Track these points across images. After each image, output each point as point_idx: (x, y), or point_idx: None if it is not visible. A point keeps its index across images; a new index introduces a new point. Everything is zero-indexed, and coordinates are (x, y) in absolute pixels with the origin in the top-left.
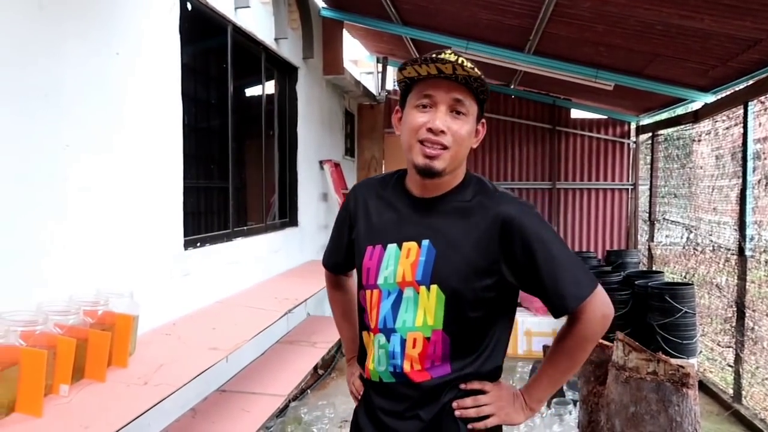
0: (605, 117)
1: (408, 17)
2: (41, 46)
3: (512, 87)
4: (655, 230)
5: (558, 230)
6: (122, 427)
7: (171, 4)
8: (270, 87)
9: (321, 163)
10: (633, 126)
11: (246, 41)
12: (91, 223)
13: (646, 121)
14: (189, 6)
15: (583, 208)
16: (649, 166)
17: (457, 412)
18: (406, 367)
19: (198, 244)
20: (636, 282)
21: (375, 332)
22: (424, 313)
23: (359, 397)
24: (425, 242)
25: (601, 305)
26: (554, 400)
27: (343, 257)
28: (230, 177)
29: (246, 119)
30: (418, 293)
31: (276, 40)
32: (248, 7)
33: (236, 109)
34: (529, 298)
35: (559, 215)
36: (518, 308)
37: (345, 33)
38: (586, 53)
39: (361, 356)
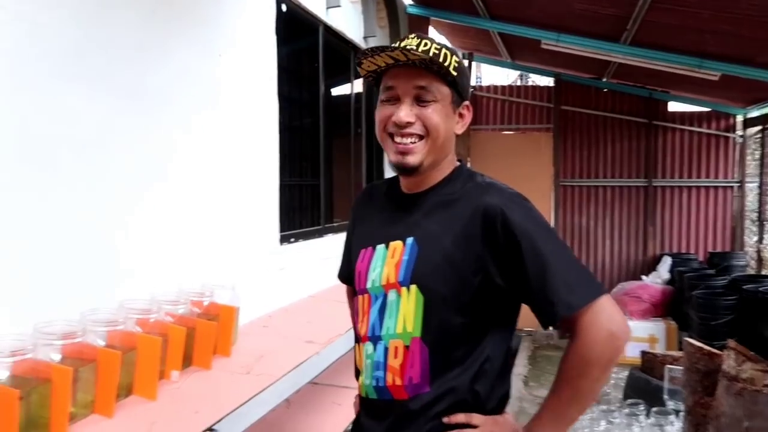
0: (708, 110)
1: (496, 11)
2: (154, 49)
3: (605, 80)
4: (765, 231)
5: (654, 230)
6: (228, 414)
7: (268, 6)
8: (358, 85)
9: None
10: (739, 119)
11: (336, 40)
12: (196, 219)
13: (755, 113)
14: (284, 7)
15: (682, 206)
16: (758, 162)
17: None
18: (389, 380)
19: (292, 240)
20: (744, 287)
21: (364, 341)
22: (404, 318)
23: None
24: (409, 240)
25: (607, 320)
26: (654, 409)
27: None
28: (321, 174)
29: (335, 118)
30: (400, 296)
31: (365, 38)
32: (339, 6)
33: (326, 108)
34: (622, 301)
35: (656, 214)
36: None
37: (431, 29)
38: (689, 41)
39: (357, 371)
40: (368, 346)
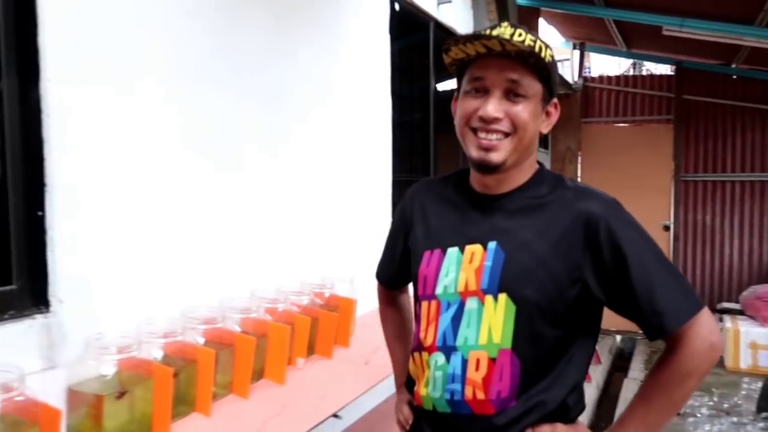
0: None
1: None
2: (279, 54)
3: (734, 66)
4: None
5: None
6: (350, 402)
7: (382, 6)
8: None
9: None
10: None
11: (446, 36)
12: (316, 214)
13: None
14: (397, 6)
15: None
16: None
17: None
18: (468, 394)
19: None
20: None
21: (432, 351)
22: (489, 328)
23: (407, 428)
24: (491, 244)
25: (708, 332)
26: (764, 414)
27: (397, 269)
28: (431, 171)
29: (444, 113)
30: (483, 304)
31: None
32: (450, 2)
33: (436, 104)
34: (754, 306)
35: None
36: (741, 317)
37: (542, 20)
38: None
39: (410, 381)
40: (438, 357)
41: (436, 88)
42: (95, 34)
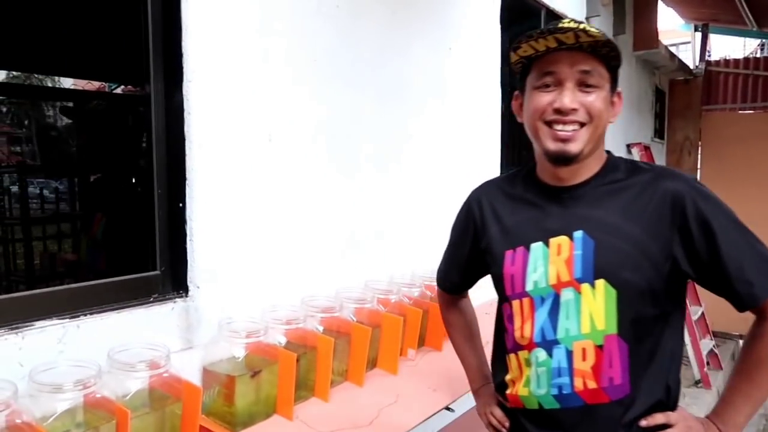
0: None
1: None
2: (394, 48)
3: None
4: None
5: None
6: (462, 395)
7: None
8: None
9: (628, 146)
10: None
11: (558, 23)
12: (425, 207)
13: None
14: None
15: None
16: None
17: None
18: (578, 385)
19: None
20: None
21: (531, 348)
22: (590, 316)
23: (502, 430)
24: (578, 233)
25: None
26: None
27: (461, 275)
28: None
29: None
30: (580, 293)
31: (587, 19)
32: None
33: None
34: None
35: None
36: None
37: (660, 2)
38: None
39: (501, 385)
40: (538, 353)
41: None
42: (228, 36)
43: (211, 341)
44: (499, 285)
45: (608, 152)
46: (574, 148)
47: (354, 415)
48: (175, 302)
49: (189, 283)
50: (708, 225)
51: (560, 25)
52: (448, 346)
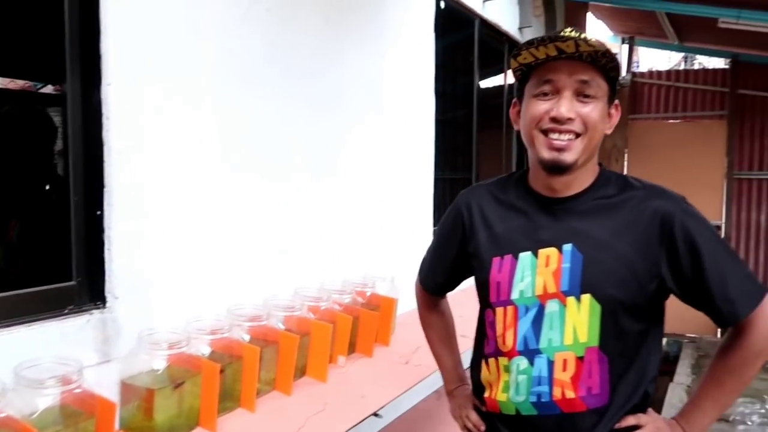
0: None
1: None
2: (327, 54)
3: None
4: None
5: None
6: (391, 401)
7: (428, 5)
8: (512, 77)
9: None
10: None
11: (491, 33)
12: (358, 212)
13: None
14: (443, 4)
15: None
16: None
17: None
18: (556, 394)
19: None
20: None
21: (512, 355)
22: (573, 328)
23: None
24: (567, 246)
25: None
26: None
27: (446, 277)
28: (473, 168)
29: (486, 110)
30: (565, 306)
31: (519, 29)
32: None
33: (479, 101)
34: None
35: None
36: None
37: (589, 15)
38: None
39: (479, 388)
40: (520, 360)
41: (479, 85)
42: (151, 39)
43: (130, 354)
44: (483, 291)
45: (600, 164)
46: (568, 157)
47: (280, 425)
48: (91, 314)
49: (107, 294)
50: (695, 244)
51: (561, 33)
52: (378, 353)
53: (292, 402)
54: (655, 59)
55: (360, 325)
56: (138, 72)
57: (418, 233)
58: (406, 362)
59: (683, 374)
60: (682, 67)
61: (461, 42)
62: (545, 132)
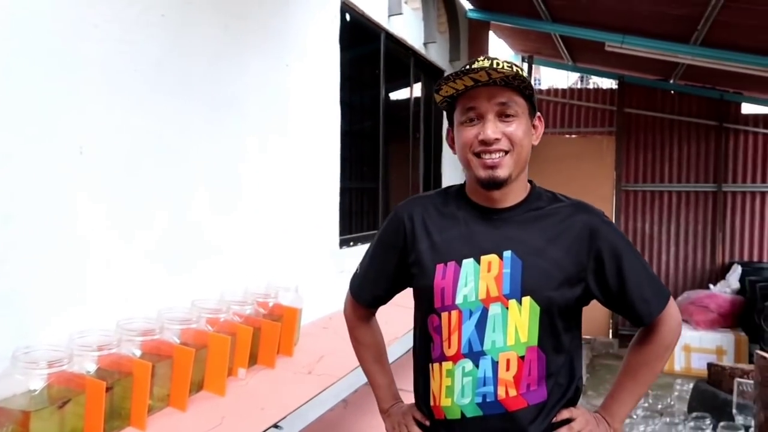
0: None
1: (558, 13)
2: (227, 61)
3: (672, 81)
4: None
5: (723, 237)
6: (291, 412)
7: (332, 16)
8: (417, 90)
9: None
10: None
11: (397, 47)
12: (261, 222)
13: None
14: (348, 17)
15: (755, 212)
16: None
17: None
18: (501, 394)
19: (351, 243)
20: None
21: (457, 359)
22: (515, 329)
23: None
24: (507, 253)
25: (676, 312)
26: (721, 424)
27: (385, 288)
28: (380, 178)
29: (394, 122)
30: (507, 308)
31: (425, 44)
32: (401, 14)
33: (386, 113)
34: (688, 310)
35: (725, 220)
36: None
37: (491, 34)
38: (764, 40)
39: (425, 396)
40: (465, 363)
41: (388, 97)
42: (35, 40)
43: (3, 374)
44: (427, 297)
45: (531, 182)
46: (501, 173)
47: None
48: None
49: None
50: (617, 253)
51: (473, 66)
52: (281, 363)
53: (186, 418)
54: (555, 77)
55: (262, 336)
56: (15, 73)
57: (324, 243)
58: (309, 372)
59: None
60: (579, 85)
61: (368, 55)
62: (478, 155)
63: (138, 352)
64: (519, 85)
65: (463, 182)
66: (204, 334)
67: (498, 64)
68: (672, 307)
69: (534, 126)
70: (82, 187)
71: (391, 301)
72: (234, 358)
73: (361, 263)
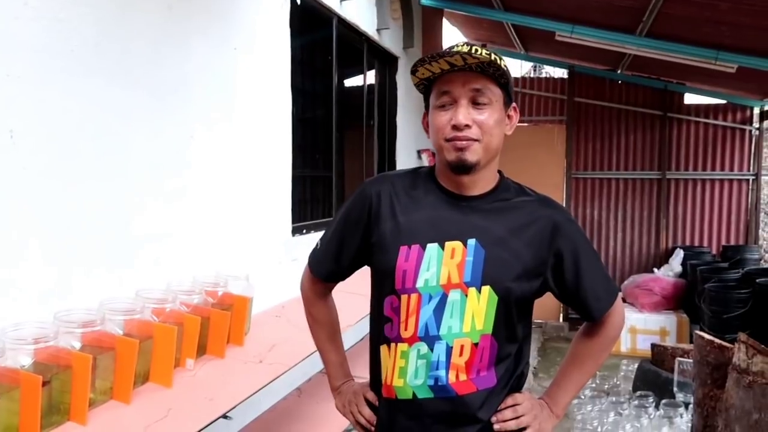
0: (724, 102)
1: (511, 3)
2: (171, 44)
3: (619, 72)
4: None
5: (667, 223)
6: (242, 401)
7: (282, 0)
8: (371, 77)
9: (419, 152)
10: (756, 111)
11: (349, 33)
12: (210, 210)
13: None
14: (298, 1)
15: (696, 199)
16: None
17: (496, 426)
18: (451, 378)
19: (304, 231)
20: (758, 280)
21: (412, 341)
22: (472, 317)
23: (371, 429)
24: (471, 241)
25: (621, 307)
26: (663, 401)
27: (346, 264)
28: (333, 166)
29: (347, 109)
30: (467, 296)
31: (378, 30)
32: None
33: (339, 100)
34: (634, 294)
35: (669, 206)
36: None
37: (445, 21)
38: (706, 33)
39: (376, 375)
40: (421, 346)
41: (343, 84)
42: None
43: None
44: (387, 279)
45: (500, 172)
46: (470, 157)
47: None
48: None
49: None
50: (577, 251)
51: (453, 49)
52: (231, 353)
53: (131, 411)
54: (510, 66)
55: (210, 326)
56: None
57: (276, 231)
58: (260, 361)
59: (530, 357)
60: (532, 75)
61: (320, 40)
62: (449, 140)
63: (78, 345)
64: (494, 72)
65: (433, 164)
66: (149, 325)
67: (477, 50)
68: (619, 304)
69: (509, 116)
70: (13, 172)
71: (343, 288)
72: (181, 348)
73: (323, 237)
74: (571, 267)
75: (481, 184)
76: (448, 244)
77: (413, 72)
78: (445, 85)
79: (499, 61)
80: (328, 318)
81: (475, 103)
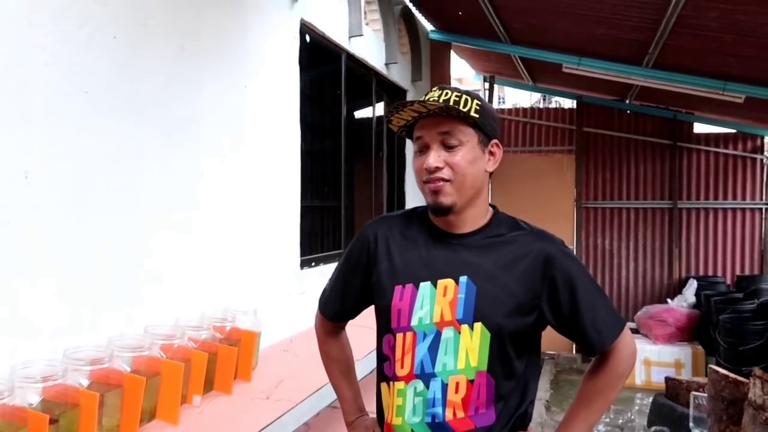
0: (734, 131)
1: (517, 36)
2: (183, 83)
3: (628, 102)
4: None
5: (680, 253)
6: None
7: (292, 38)
8: (380, 109)
9: None
10: (767, 140)
11: (358, 67)
12: (220, 245)
13: None
14: (308, 38)
15: (708, 228)
16: None
17: None
18: (448, 415)
19: (313, 264)
20: None
21: (409, 379)
22: (466, 354)
23: None
24: (463, 278)
25: (630, 341)
26: (654, 429)
27: (351, 304)
28: (342, 197)
29: (356, 141)
30: (459, 333)
31: (386, 65)
32: (361, 35)
33: (348, 132)
34: (647, 325)
35: (681, 236)
36: (635, 335)
37: (452, 53)
38: (712, 64)
39: (381, 412)
40: (416, 384)
41: (353, 116)
42: None
43: None
44: (385, 317)
45: (494, 207)
46: (444, 200)
47: None
48: None
49: None
50: (572, 281)
51: (424, 98)
52: (238, 389)
53: None
54: (519, 96)
55: (218, 362)
56: None
57: (285, 264)
58: (267, 397)
59: (542, 389)
60: (542, 104)
61: (329, 75)
62: (426, 182)
63: (86, 382)
64: (458, 115)
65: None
66: (156, 361)
67: (447, 93)
68: (626, 337)
69: (491, 152)
70: (27, 212)
71: (354, 322)
72: (188, 384)
73: (330, 278)
74: (566, 298)
75: (470, 221)
76: (441, 282)
77: (388, 122)
78: (419, 131)
79: (467, 103)
80: (341, 354)
81: (446, 146)
